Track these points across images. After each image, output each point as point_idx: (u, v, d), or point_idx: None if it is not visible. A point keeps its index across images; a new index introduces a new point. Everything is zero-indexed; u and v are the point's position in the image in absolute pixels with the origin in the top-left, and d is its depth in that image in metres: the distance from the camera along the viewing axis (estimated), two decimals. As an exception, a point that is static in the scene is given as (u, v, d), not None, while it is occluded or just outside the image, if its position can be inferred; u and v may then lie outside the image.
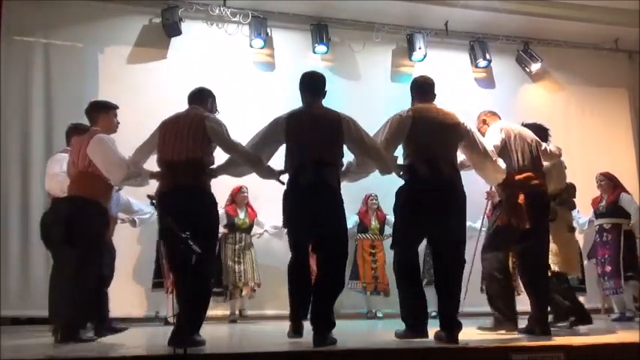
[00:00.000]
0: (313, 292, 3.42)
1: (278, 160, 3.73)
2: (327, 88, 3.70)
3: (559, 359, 2.98)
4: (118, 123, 4.16)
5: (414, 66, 7.84)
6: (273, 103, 7.13)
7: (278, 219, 6.31)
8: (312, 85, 3.65)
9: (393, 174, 3.71)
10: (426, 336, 3.54)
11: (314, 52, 7.45)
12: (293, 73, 7.42)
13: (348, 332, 4.83)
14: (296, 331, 3.48)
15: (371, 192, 6.66)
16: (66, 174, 4.09)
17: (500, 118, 4.46)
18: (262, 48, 7.30)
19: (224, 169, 3.65)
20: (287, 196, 3.52)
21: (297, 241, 3.51)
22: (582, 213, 6.39)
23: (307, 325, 3.44)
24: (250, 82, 7.19)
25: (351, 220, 6.66)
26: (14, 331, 5.17)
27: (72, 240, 3.72)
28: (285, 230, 3.62)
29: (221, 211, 6.25)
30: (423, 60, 7.71)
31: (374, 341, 4.00)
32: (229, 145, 3.54)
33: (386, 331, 4.40)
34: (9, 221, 6.16)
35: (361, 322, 6.14)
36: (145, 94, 6.56)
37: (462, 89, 7.73)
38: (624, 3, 7.24)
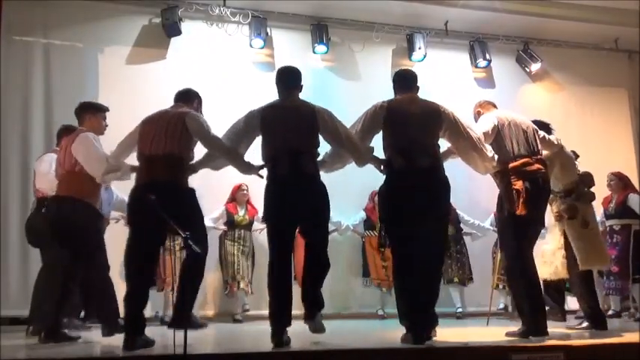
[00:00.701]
0: (303, 277, 3.48)
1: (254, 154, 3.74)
2: (302, 83, 3.77)
3: (559, 359, 2.98)
4: (106, 125, 4.20)
5: (414, 66, 7.83)
6: (273, 103, 7.16)
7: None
8: (287, 79, 3.75)
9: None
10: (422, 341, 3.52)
11: (314, 52, 7.45)
12: (293, 73, 7.50)
13: (359, 332, 4.85)
14: (278, 343, 3.30)
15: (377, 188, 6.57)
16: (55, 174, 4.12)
17: (495, 107, 4.34)
18: (262, 48, 7.29)
19: (203, 163, 3.69)
20: (267, 189, 3.53)
21: (278, 232, 3.48)
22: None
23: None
24: (250, 82, 7.17)
25: (358, 217, 6.67)
26: (14, 331, 5.16)
27: (61, 239, 3.73)
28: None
29: (222, 208, 6.32)
30: (422, 60, 7.70)
31: (374, 341, 3.99)
32: (208, 140, 3.58)
33: (388, 331, 4.40)
34: (9, 221, 6.16)
35: (374, 322, 6.07)
36: (145, 94, 6.54)
37: (461, 89, 7.73)
38: (624, 3, 7.24)
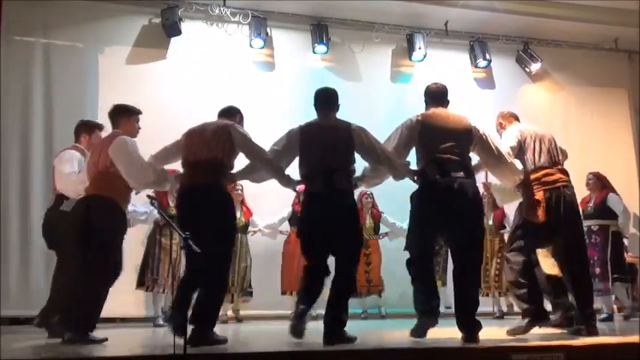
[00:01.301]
0: (330, 295, 3.57)
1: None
2: (339, 103, 3.86)
3: (559, 359, 2.98)
4: (139, 128, 4.17)
5: (414, 66, 7.85)
6: (273, 103, 7.17)
7: (272, 218, 6.36)
8: (326, 100, 3.83)
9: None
10: (436, 322, 3.65)
11: (314, 52, 7.45)
12: (293, 73, 7.52)
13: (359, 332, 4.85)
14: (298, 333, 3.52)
15: (365, 190, 6.38)
16: (77, 173, 4.06)
17: (518, 119, 4.46)
18: (262, 48, 7.29)
19: (244, 173, 3.88)
20: (303, 203, 3.79)
21: (310, 244, 3.67)
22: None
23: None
24: (250, 82, 7.19)
25: None
26: (14, 331, 5.17)
27: (87, 238, 3.68)
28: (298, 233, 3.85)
29: None
30: (422, 60, 7.71)
31: (374, 341, 4.00)
32: (254, 153, 3.75)
33: (385, 331, 4.40)
34: (9, 221, 6.16)
35: (360, 323, 6.09)
36: (145, 94, 6.53)
37: (461, 89, 7.73)
38: (624, 3, 7.23)
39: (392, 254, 6.23)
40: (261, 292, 6.30)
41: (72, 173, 4.16)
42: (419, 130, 3.72)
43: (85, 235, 3.71)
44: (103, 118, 6.47)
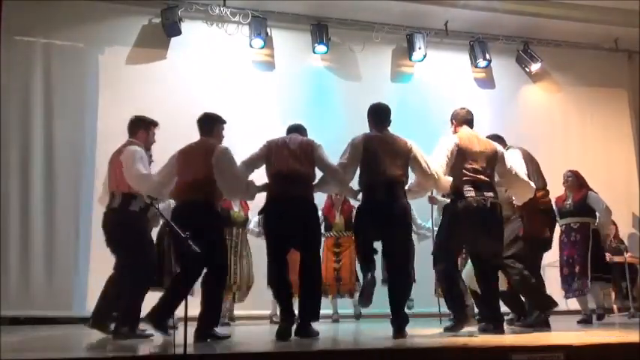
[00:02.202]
0: (391, 295, 3.80)
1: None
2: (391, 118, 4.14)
3: (559, 359, 2.98)
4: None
5: (414, 66, 7.86)
6: (273, 102, 7.17)
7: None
8: (384, 116, 4.11)
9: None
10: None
11: (314, 52, 7.46)
12: (293, 73, 7.52)
13: (359, 332, 4.84)
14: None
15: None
16: (152, 175, 3.98)
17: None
18: (262, 48, 7.30)
19: (317, 186, 4.11)
20: (361, 209, 4.03)
21: (365, 242, 3.98)
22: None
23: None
24: (250, 82, 7.19)
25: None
26: (14, 331, 5.17)
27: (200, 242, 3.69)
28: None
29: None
30: (422, 60, 7.72)
31: (367, 341, 4.00)
32: (331, 169, 4.01)
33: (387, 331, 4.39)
34: (9, 221, 6.17)
35: (374, 322, 5.87)
36: (145, 94, 6.56)
37: (462, 89, 7.75)
38: (624, 3, 7.25)
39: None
40: (260, 292, 6.21)
41: (150, 175, 4.00)
42: (457, 150, 4.09)
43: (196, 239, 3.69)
44: (103, 118, 6.58)
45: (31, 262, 6.14)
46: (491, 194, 4.03)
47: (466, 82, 7.99)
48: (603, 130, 8.24)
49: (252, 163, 4.08)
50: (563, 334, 4.13)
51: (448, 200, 4.30)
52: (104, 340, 3.89)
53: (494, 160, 4.16)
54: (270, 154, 4.03)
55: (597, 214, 5.66)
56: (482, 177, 4.05)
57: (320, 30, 7.37)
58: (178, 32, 6.95)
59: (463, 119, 4.31)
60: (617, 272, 6.50)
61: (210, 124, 4.05)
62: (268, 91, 7.23)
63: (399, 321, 3.70)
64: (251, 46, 7.25)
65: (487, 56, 7.88)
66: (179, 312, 3.54)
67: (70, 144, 6.53)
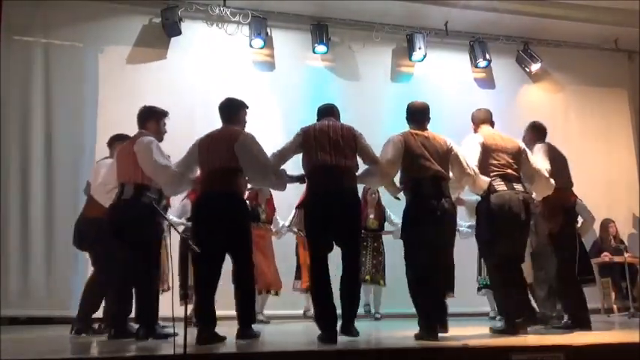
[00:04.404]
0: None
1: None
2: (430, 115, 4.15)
3: (559, 359, 2.98)
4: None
5: (414, 66, 7.85)
6: (273, 102, 7.17)
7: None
8: (424, 114, 4.13)
9: None
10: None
11: (314, 52, 7.46)
12: (293, 73, 7.52)
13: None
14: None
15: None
16: (170, 165, 3.88)
17: (544, 133, 4.82)
18: (262, 48, 7.30)
19: (360, 178, 3.98)
20: (411, 205, 3.91)
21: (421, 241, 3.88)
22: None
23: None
24: (250, 82, 7.18)
25: (292, 215, 6.16)
26: (14, 330, 5.17)
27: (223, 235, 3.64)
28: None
29: (182, 202, 5.64)
30: (422, 60, 7.71)
31: (370, 341, 4.00)
32: (374, 159, 3.91)
33: (386, 331, 4.40)
34: (9, 221, 6.16)
35: (373, 323, 5.86)
36: (145, 94, 6.52)
37: (461, 89, 7.74)
38: (624, 3, 7.24)
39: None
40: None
41: (169, 165, 3.89)
42: (482, 148, 4.20)
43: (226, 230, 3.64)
44: (104, 118, 6.57)
45: (31, 262, 6.13)
46: (520, 187, 4.12)
47: (466, 82, 7.98)
48: (603, 130, 8.23)
49: (284, 155, 3.91)
50: (563, 334, 4.13)
51: (473, 200, 4.42)
52: (104, 341, 3.87)
53: (518, 155, 4.26)
54: (309, 143, 3.82)
55: (580, 219, 5.72)
56: (510, 171, 4.15)
57: (320, 30, 7.37)
58: (178, 32, 6.95)
59: (482, 118, 4.44)
60: (617, 272, 6.50)
61: (235, 109, 3.91)
62: (268, 91, 7.23)
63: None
64: (251, 46, 7.25)
65: (487, 56, 7.87)
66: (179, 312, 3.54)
67: (70, 144, 6.52)
